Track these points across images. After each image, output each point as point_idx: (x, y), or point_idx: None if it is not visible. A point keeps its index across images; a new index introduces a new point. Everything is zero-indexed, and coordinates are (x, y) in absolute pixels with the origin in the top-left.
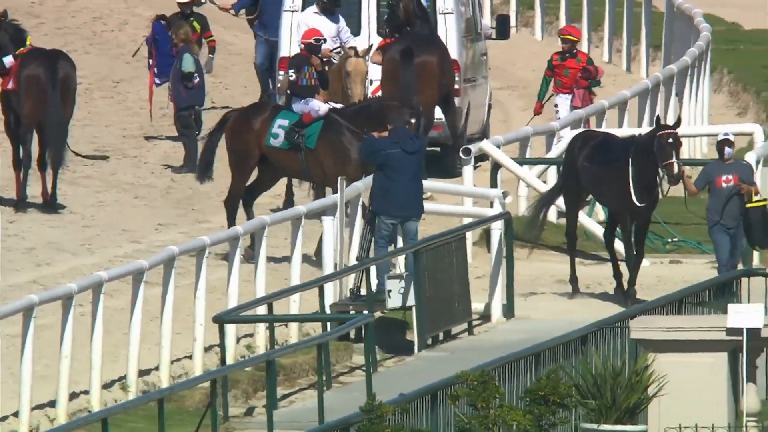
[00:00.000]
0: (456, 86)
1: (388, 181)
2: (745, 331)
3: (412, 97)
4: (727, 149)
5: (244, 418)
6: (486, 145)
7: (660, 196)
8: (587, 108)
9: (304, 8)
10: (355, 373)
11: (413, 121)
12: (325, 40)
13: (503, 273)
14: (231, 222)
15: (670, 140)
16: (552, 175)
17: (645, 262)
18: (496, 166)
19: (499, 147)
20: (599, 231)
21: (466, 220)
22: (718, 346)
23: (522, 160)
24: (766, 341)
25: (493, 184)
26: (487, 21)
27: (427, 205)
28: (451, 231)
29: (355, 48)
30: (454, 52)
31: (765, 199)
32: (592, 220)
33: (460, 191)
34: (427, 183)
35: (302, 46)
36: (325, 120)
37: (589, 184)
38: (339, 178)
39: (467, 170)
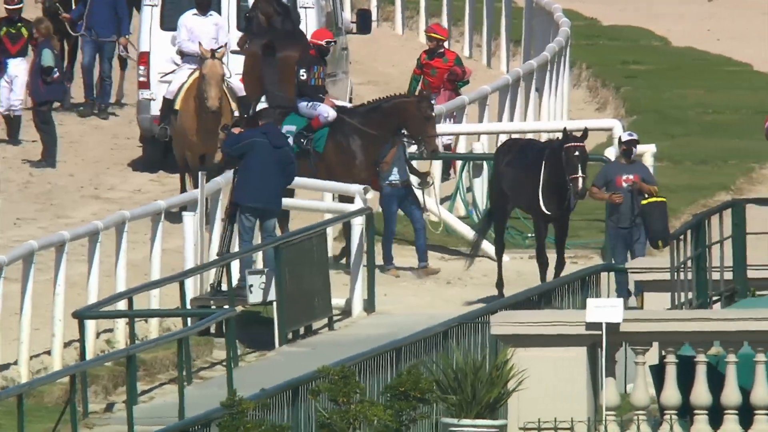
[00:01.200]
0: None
1: (250, 170)
2: (604, 325)
3: (274, 92)
4: (634, 150)
5: (104, 413)
6: None
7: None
8: (448, 103)
9: (164, 4)
10: (216, 368)
11: (433, 114)
12: (335, 42)
13: (364, 268)
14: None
15: (576, 153)
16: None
17: (505, 258)
18: None
19: None
20: (461, 227)
21: (327, 216)
22: (578, 340)
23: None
24: (624, 336)
25: None
26: (347, 15)
27: (289, 201)
28: (312, 226)
29: (212, 50)
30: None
31: (663, 197)
32: (454, 215)
33: (321, 186)
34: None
35: (314, 47)
36: (334, 123)
37: (508, 189)
38: (200, 173)
39: None
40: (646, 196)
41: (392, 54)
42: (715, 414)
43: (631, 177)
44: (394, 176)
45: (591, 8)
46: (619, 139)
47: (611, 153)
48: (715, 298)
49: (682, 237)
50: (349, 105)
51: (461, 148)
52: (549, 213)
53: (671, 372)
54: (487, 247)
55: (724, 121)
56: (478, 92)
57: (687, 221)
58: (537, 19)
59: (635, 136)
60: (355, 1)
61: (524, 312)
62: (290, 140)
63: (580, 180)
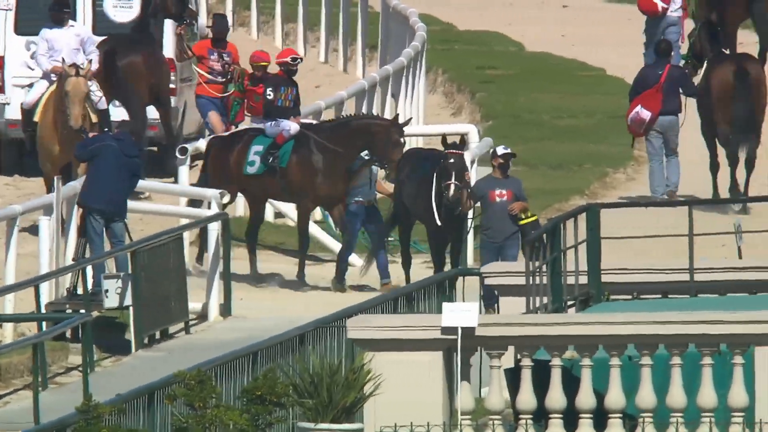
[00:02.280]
0: (171, 86)
1: (98, 173)
2: (459, 330)
3: (127, 97)
4: (509, 164)
5: None
6: (203, 144)
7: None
8: (306, 108)
9: (18, 8)
10: (72, 373)
11: (402, 141)
12: (301, 59)
13: (220, 273)
14: (203, 245)
15: (450, 161)
16: None
17: (361, 261)
18: None
19: None
20: (317, 231)
21: (184, 221)
22: (434, 344)
23: None
24: (480, 340)
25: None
26: (203, 20)
27: (145, 205)
28: (168, 231)
29: (76, 66)
30: (169, 51)
31: (534, 215)
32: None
33: (176, 191)
34: (145, 182)
35: (281, 66)
36: (298, 138)
37: (407, 201)
38: (55, 177)
39: (183, 170)
40: (522, 216)
41: (247, 58)
42: (570, 418)
43: (504, 192)
44: (362, 195)
45: (447, 13)
46: (494, 152)
47: (467, 158)
48: (570, 303)
49: (538, 241)
50: (314, 122)
51: None
52: (440, 225)
53: (526, 376)
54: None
55: (578, 126)
56: (335, 98)
57: (542, 225)
58: (393, 24)
59: (509, 150)
60: (211, 5)
61: (380, 316)
62: (258, 160)
63: (452, 187)
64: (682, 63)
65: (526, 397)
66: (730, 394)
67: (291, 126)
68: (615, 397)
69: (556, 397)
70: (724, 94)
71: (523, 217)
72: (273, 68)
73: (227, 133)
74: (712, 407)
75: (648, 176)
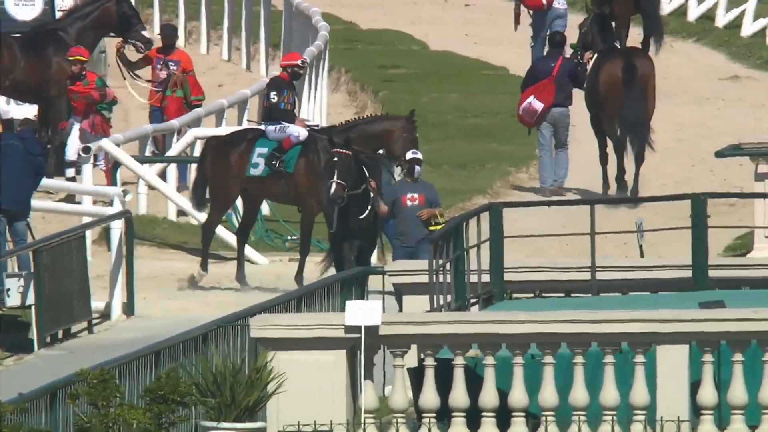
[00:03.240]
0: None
1: (2, 172)
2: (363, 328)
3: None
4: (417, 168)
5: None
6: (106, 143)
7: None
8: (208, 106)
9: None
10: None
11: (417, 137)
12: (305, 63)
13: (123, 271)
14: (205, 248)
15: (334, 159)
16: (172, 172)
17: (264, 260)
18: (116, 165)
19: (119, 145)
20: (220, 230)
21: (86, 219)
22: (337, 343)
23: (142, 158)
24: (383, 338)
25: (113, 183)
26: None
27: (48, 204)
28: (70, 229)
29: None
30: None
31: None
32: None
33: (79, 190)
34: (48, 181)
35: (286, 69)
36: (306, 142)
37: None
38: None
39: (86, 169)
40: (433, 222)
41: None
42: (474, 417)
43: (416, 196)
44: (385, 195)
45: (350, 13)
46: (403, 157)
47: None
48: (473, 301)
49: (441, 240)
50: (319, 125)
51: None
52: (331, 231)
53: (430, 375)
54: (249, 251)
55: (481, 125)
56: (238, 96)
57: (445, 224)
58: (296, 22)
59: (419, 155)
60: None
61: (283, 315)
62: (262, 163)
63: (333, 186)
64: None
65: (430, 396)
66: (632, 392)
67: (300, 132)
68: (518, 396)
69: (459, 396)
70: (613, 87)
71: (434, 222)
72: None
73: (226, 134)
74: (614, 405)
75: (538, 168)
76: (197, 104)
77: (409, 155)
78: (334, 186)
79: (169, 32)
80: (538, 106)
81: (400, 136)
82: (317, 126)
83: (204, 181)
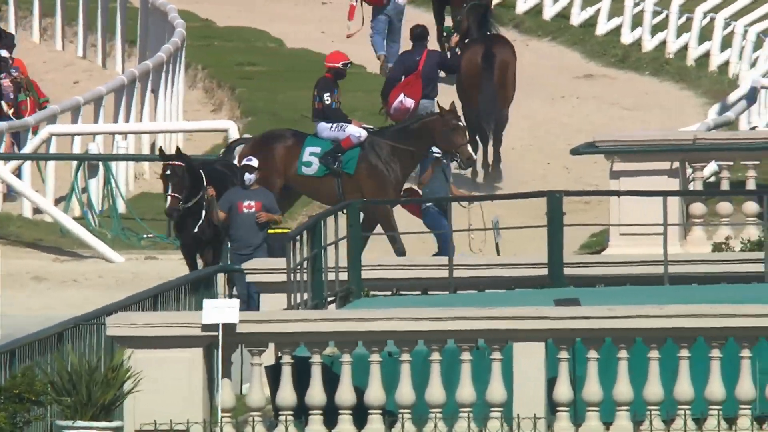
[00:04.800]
0: None
1: None
2: (220, 326)
3: None
4: (247, 175)
5: None
6: None
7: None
8: (64, 103)
9: None
10: None
11: (461, 124)
12: (351, 63)
13: None
14: None
15: (167, 172)
16: (27, 170)
17: (120, 258)
18: None
19: None
20: (76, 228)
21: None
22: (194, 341)
23: None
24: (241, 336)
25: None
26: None
27: None
28: None
29: None
30: None
31: (287, 228)
32: (69, 216)
33: None
34: None
35: (330, 70)
36: (364, 144)
37: None
38: None
39: None
40: (272, 226)
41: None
42: (331, 414)
43: (252, 203)
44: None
45: (206, 9)
46: (454, 149)
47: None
48: (330, 299)
49: (298, 238)
50: (373, 128)
51: (76, 149)
52: (182, 233)
53: (287, 373)
54: (104, 248)
55: None
56: (94, 93)
57: (303, 222)
58: (152, 19)
59: (253, 161)
60: None
61: (140, 313)
62: (316, 161)
63: (168, 199)
64: (445, 35)
65: (287, 394)
66: (489, 389)
67: (360, 132)
68: (375, 394)
69: (316, 394)
70: (472, 74)
71: (272, 227)
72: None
73: (262, 133)
74: (470, 402)
75: None
76: (45, 106)
77: (244, 162)
78: (168, 199)
79: (9, 42)
80: (409, 103)
81: (442, 126)
82: (372, 129)
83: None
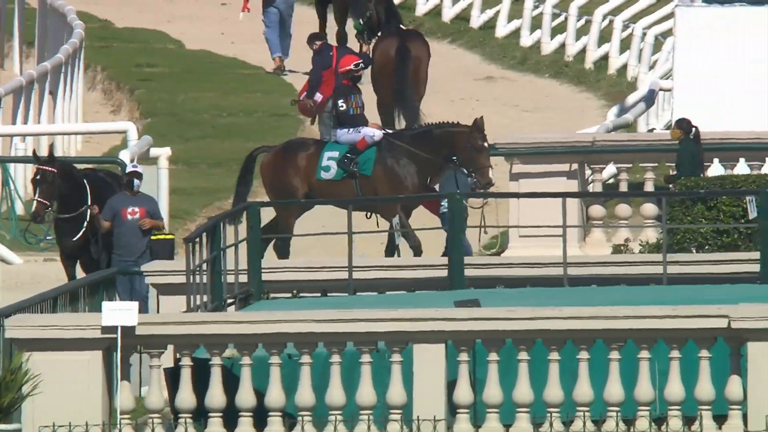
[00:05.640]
0: None
1: None
2: (119, 329)
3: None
4: (136, 181)
5: None
6: None
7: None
8: None
9: None
10: None
11: (486, 144)
12: (364, 65)
13: None
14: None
15: (38, 177)
16: None
17: (18, 260)
18: None
19: None
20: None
21: None
22: (93, 344)
23: None
24: (140, 339)
25: None
26: None
27: None
28: None
29: None
30: None
31: (171, 234)
32: None
33: None
34: None
35: (345, 75)
36: (380, 145)
37: None
38: None
39: None
40: (155, 232)
41: None
42: (231, 416)
43: (136, 209)
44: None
45: (105, 11)
46: (473, 167)
47: (125, 155)
48: (230, 301)
49: (197, 240)
50: (390, 130)
51: None
52: (61, 247)
53: (186, 375)
54: (3, 250)
55: (238, 124)
56: None
57: (202, 224)
58: (50, 20)
59: (138, 168)
60: None
61: (39, 315)
62: (334, 165)
63: (34, 203)
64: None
65: (186, 396)
66: (389, 391)
67: (375, 132)
68: (275, 396)
69: (215, 396)
70: (385, 68)
71: (158, 234)
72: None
73: (282, 144)
74: (370, 405)
75: None
76: None
77: (129, 168)
78: (35, 204)
79: None
80: (318, 97)
81: (468, 143)
82: (390, 130)
83: (246, 194)
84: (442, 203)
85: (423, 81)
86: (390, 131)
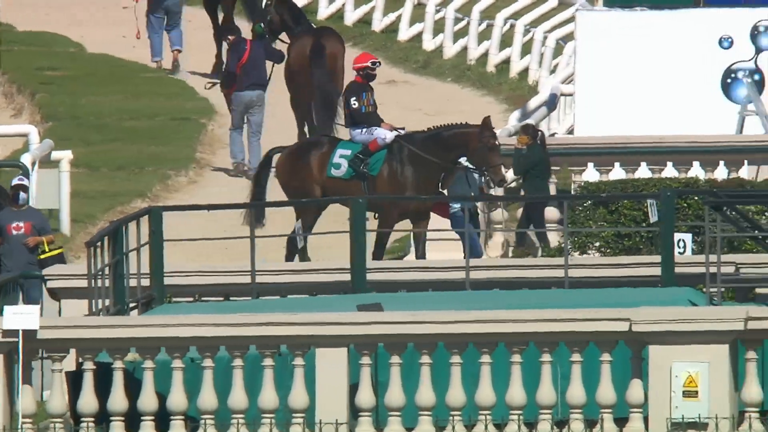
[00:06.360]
0: None
1: None
2: (20, 332)
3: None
4: (22, 194)
5: None
6: None
7: None
8: None
9: None
10: None
11: (498, 143)
12: (380, 63)
13: None
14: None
15: None
16: None
17: None
18: None
19: None
20: None
21: None
22: None
23: None
24: (42, 342)
25: None
26: None
27: None
28: None
29: None
30: None
31: (60, 247)
32: None
33: None
34: None
35: (359, 72)
36: (391, 147)
37: None
38: None
39: None
40: (40, 250)
41: None
42: (133, 420)
43: (21, 225)
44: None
45: (6, 14)
46: (484, 166)
47: (27, 159)
48: (132, 305)
49: (99, 243)
50: (404, 129)
51: None
52: None
53: (88, 379)
54: None
55: (141, 128)
56: None
57: (104, 228)
58: None
59: (25, 181)
60: None
61: None
62: (345, 164)
63: None
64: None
65: (88, 400)
66: (291, 395)
67: (387, 134)
68: (177, 399)
69: (118, 400)
70: (301, 66)
71: (45, 250)
72: None
73: (296, 144)
74: (273, 408)
75: (229, 143)
76: None
77: (14, 181)
78: None
79: None
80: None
81: (479, 143)
82: (403, 130)
83: (263, 192)
84: (453, 205)
85: (341, 76)
86: (402, 131)
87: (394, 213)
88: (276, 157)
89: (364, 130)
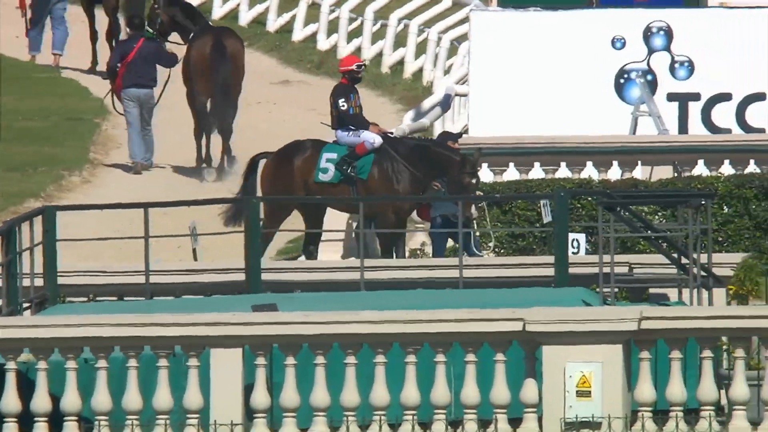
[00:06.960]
0: None
1: None
2: None
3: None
4: None
5: None
6: None
7: None
8: None
9: None
10: None
11: (473, 181)
12: (365, 65)
13: None
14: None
15: None
16: None
17: None
18: None
19: None
20: None
21: None
22: None
23: None
24: None
25: None
26: None
27: None
28: None
29: None
30: None
31: None
32: None
33: None
34: None
35: (345, 75)
36: (379, 150)
37: None
38: None
39: None
40: None
41: None
42: (27, 421)
43: None
44: (444, 208)
45: None
46: (462, 182)
47: None
48: (25, 305)
49: None
50: (392, 132)
51: None
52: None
53: None
54: None
55: (34, 128)
56: None
57: None
58: None
59: None
60: None
61: None
62: (332, 168)
63: None
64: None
65: None
66: (186, 395)
67: (375, 138)
68: (71, 400)
69: (11, 401)
70: (202, 65)
71: None
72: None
73: (283, 147)
74: (167, 409)
75: (128, 144)
76: None
77: None
78: None
79: None
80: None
81: (457, 175)
82: (392, 133)
83: (249, 189)
84: (437, 214)
85: (241, 76)
86: (391, 134)
87: (389, 213)
88: (262, 163)
89: (351, 132)
